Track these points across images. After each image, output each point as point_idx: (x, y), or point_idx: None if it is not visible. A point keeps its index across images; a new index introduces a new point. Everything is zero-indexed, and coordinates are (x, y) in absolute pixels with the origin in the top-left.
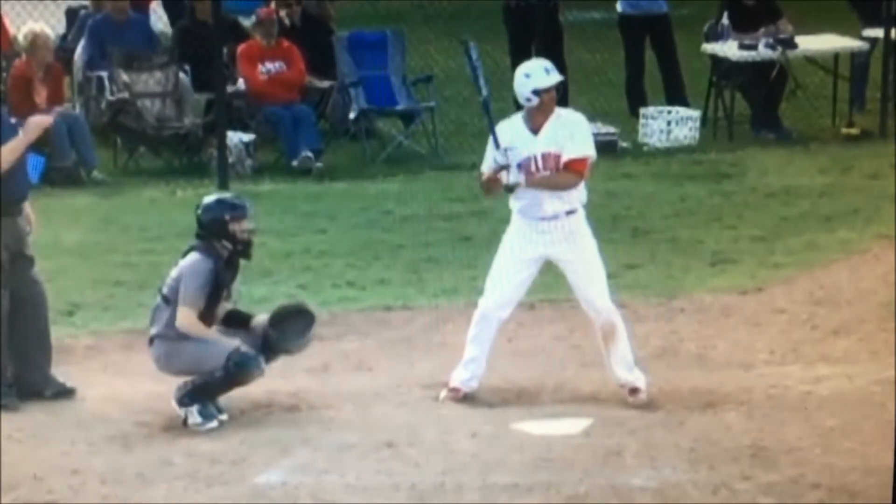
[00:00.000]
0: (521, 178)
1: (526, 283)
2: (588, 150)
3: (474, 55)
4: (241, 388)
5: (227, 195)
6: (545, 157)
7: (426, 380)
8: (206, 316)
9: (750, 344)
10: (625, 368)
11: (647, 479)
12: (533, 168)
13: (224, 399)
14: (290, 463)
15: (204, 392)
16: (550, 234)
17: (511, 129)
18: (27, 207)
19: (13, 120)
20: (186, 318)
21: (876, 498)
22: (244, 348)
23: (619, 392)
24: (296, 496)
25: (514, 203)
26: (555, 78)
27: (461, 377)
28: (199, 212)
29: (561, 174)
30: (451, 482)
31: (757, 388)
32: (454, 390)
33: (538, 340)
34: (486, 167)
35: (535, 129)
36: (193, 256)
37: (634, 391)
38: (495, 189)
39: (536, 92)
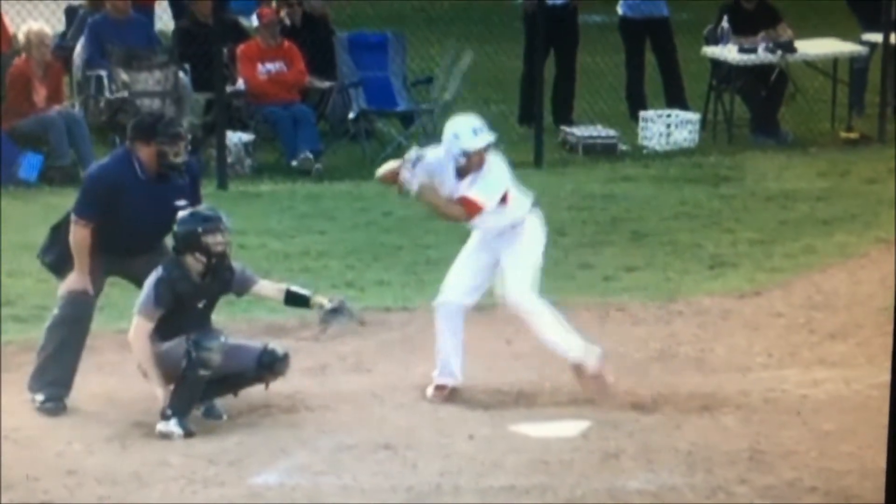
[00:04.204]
0: (415, 186)
1: (483, 285)
2: (485, 200)
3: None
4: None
5: (201, 208)
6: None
7: (424, 381)
8: (175, 327)
9: (748, 347)
10: (559, 352)
11: (645, 482)
12: None
13: (222, 400)
14: (288, 464)
15: (178, 395)
16: (500, 241)
17: (439, 159)
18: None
19: None
20: (134, 327)
21: (872, 502)
22: (193, 338)
23: (616, 395)
24: (292, 497)
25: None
26: (484, 139)
27: (439, 370)
28: (175, 227)
29: (451, 205)
30: (448, 484)
31: (754, 392)
32: (440, 388)
33: (536, 343)
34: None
35: (460, 175)
36: (157, 270)
37: (579, 369)
38: (390, 181)
39: (465, 153)
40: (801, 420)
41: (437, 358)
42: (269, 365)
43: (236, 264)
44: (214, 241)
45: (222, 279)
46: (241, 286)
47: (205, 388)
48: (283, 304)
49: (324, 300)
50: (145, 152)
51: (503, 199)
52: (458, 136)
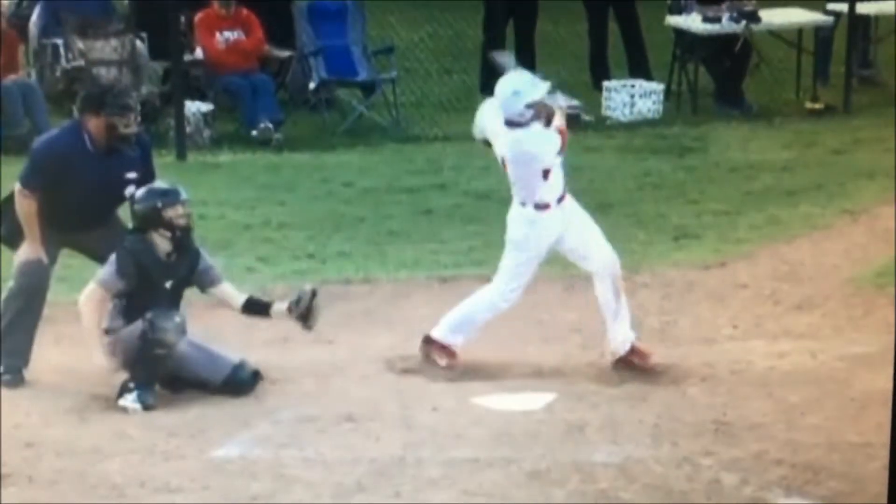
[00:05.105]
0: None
1: None
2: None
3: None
4: None
5: (157, 183)
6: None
7: (387, 353)
8: (142, 308)
9: (713, 319)
10: (630, 328)
11: (610, 455)
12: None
13: None
14: (249, 437)
15: (137, 373)
16: (561, 215)
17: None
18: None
19: None
20: (87, 292)
21: (839, 474)
22: (149, 317)
23: (582, 366)
24: (254, 470)
25: (537, 195)
26: (545, 86)
27: (452, 334)
28: (133, 205)
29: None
30: (411, 457)
31: (720, 364)
32: (450, 352)
33: (501, 314)
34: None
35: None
36: (120, 247)
37: (644, 354)
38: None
39: (530, 106)
40: (766, 392)
41: (462, 329)
42: (235, 385)
43: (205, 255)
44: (176, 213)
45: (188, 259)
46: (205, 279)
47: (171, 381)
48: (241, 311)
49: (282, 306)
50: (94, 124)
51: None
52: (518, 93)
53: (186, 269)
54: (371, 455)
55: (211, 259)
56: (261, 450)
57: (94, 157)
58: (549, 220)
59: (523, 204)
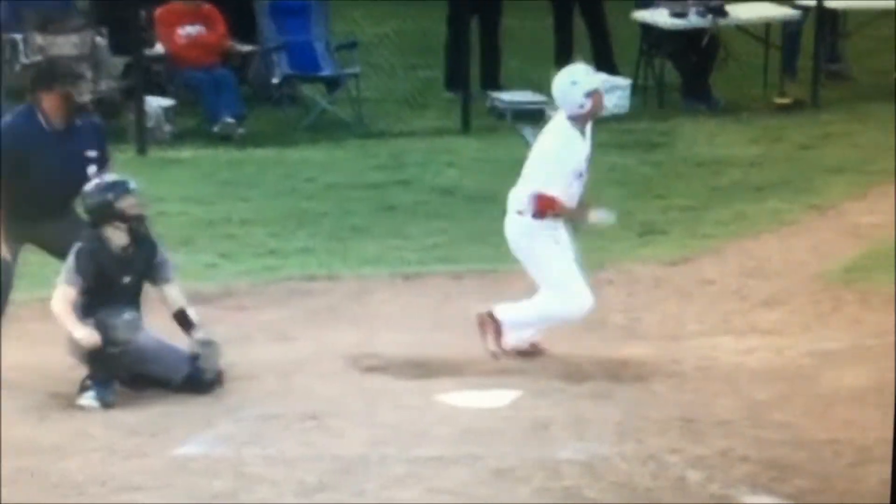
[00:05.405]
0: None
1: None
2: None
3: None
4: None
5: (106, 176)
6: (587, 158)
7: (350, 350)
8: (101, 305)
9: (679, 315)
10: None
11: (575, 452)
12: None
13: None
14: (211, 435)
15: (94, 371)
16: (554, 226)
17: (565, 137)
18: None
19: None
20: (56, 295)
21: (806, 472)
22: (100, 315)
23: (547, 363)
24: (216, 469)
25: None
26: (601, 75)
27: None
28: (84, 201)
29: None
30: (375, 454)
31: (686, 360)
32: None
33: (465, 311)
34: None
35: (582, 131)
36: (76, 244)
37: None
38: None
39: (589, 94)
40: (733, 389)
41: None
42: (197, 383)
43: (162, 250)
44: (128, 204)
45: (145, 252)
46: (158, 274)
47: (132, 379)
48: (172, 317)
49: (200, 335)
50: (49, 100)
51: None
52: (576, 82)
53: (143, 263)
54: (334, 453)
55: (168, 256)
56: (223, 448)
57: (52, 136)
58: (546, 229)
59: (520, 213)
